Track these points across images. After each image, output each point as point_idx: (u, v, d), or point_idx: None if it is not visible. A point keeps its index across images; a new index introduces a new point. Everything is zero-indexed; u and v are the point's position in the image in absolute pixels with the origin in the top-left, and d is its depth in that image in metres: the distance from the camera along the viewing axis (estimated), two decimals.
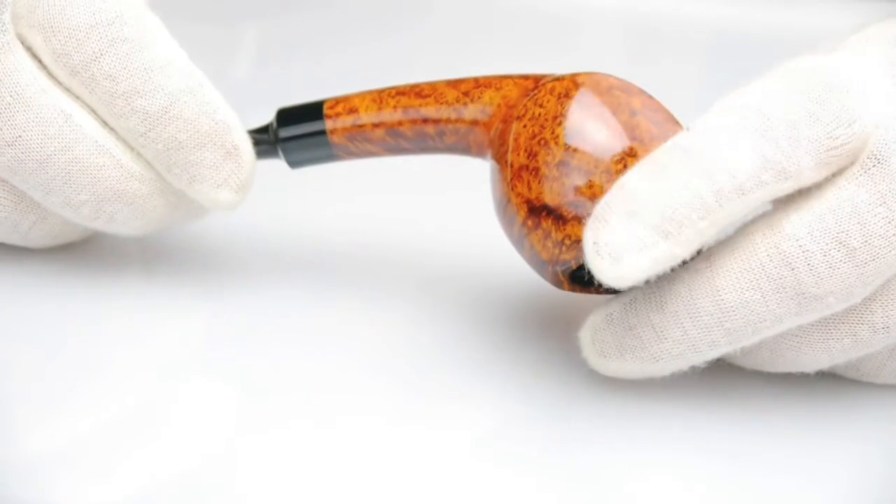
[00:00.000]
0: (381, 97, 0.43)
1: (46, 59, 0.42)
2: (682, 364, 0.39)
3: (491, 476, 0.38)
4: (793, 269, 0.38)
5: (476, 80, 0.42)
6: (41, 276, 0.46)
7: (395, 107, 0.42)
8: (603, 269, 0.37)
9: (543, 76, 0.42)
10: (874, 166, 0.38)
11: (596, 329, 0.40)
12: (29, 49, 0.42)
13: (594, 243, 0.37)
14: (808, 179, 0.38)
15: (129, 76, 0.41)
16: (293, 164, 0.44)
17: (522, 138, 0.40)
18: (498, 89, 0.41)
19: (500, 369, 0.42)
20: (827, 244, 0.37)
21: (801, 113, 0.38)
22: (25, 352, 0.42)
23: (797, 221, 0.38)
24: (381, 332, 0.44)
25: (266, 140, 0.44)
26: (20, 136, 0.41)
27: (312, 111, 0.43)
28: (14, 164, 0.42)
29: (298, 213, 0.50)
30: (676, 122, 0.41)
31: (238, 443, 0.39)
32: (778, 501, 0.38)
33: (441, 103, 0.42)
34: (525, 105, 0.40)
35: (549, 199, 0.40)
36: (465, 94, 0.41)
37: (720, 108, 0.38)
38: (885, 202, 0.37)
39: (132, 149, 0.43)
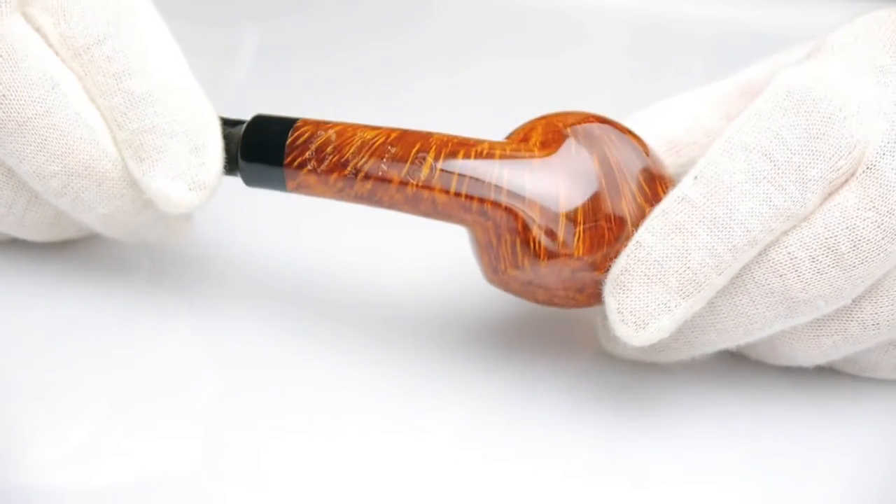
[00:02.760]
0: (342, 198, 0.41)
1: (53, 40, 0.43)
2: (683, 356, 0.40)
3: (492, 471, 0.39)
4: (781, 276, 0.38)
5: (434, 203, 0.40)
6: (37, 278, 0.46)
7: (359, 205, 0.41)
8: (629, 336, 0.37)
9: (502, 214, 0.39)
10: (864, 172, 0.38)
11: (605, 318, 0.40)
12: (37, 30, 0.43)
13: (618, 311, 0.38)
14: (811, 210, 0.38)
15: (124, 58, 0.42)
16: (250, 185, 0.43)
17: (498, 285, 0.41)
18: (460, 222, 0.40)
19: (499, 368, 0.43)
20: (815, 249, 0.38)
21: (805, 153, 0.38)
22: (20, 356, 0.43)
23: None
24: (378, 337, 0.44)
25: (229, 160, 0.42)
26: (5, 95, 0.42)
27: (275, 173, 0.42)
28: None
29: (289, 224, 0.50)
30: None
31: (230, 452, 0.39)
32: (782, 492, 0.38)
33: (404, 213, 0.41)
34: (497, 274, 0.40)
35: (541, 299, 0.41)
36: (427, 217, 0.40)
37: (723, 147, 0.38)
38: (874, 207, 0.38)
39: (113, 132, 0.43)
